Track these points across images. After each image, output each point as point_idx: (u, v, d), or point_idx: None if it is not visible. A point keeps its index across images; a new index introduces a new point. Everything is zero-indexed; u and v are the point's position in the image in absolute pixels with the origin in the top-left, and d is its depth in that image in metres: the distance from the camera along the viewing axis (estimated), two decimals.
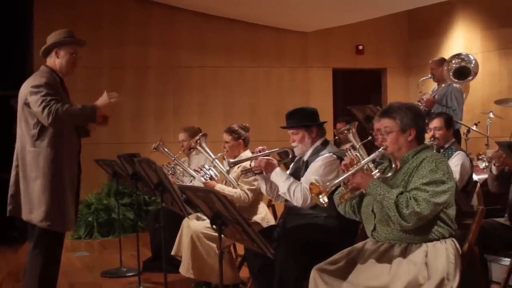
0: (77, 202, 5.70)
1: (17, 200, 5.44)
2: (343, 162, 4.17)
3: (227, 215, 3.90)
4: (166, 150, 7.60)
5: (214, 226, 4.06)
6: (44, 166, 5.33)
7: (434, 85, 8.99)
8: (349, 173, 4.05)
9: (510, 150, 3.65)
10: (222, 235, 4.13)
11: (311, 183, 4.05)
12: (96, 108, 5.58)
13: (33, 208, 5.35)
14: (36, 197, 5.34)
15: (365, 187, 4.01)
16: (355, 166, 4.08)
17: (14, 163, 5.46)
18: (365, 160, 4.21)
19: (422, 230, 3.95)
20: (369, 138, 6.75)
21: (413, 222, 3.85)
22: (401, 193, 3.90)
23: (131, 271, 7.32)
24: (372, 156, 4.26)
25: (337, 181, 4.07)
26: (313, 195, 4.00)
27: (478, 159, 5.54)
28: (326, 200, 3.96)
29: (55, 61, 5.54)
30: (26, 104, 5.35)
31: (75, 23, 10.95)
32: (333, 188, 4.08)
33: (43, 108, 5.22)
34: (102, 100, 5.64)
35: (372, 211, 4.11)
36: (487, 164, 5.39)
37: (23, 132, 5.41)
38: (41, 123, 5.32)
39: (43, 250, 5.42)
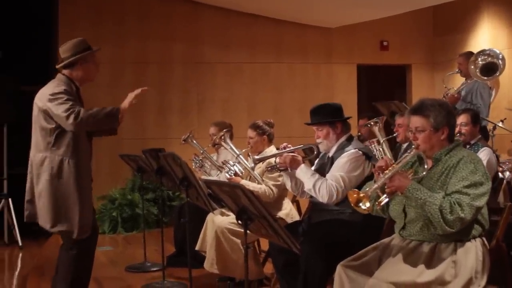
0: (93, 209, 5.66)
1: (33, 206, 5.39)
2: (378, 164, 4.04)
3: (253, 210, 3.89)
4: (195, 142, 7.60)
5: (239, 221, 4.04)
6: (58, 173, 5.26)
7: (461, 80, 8.84)
8: (386, 176, 3.91)
9: None
10: (248, 231, 4.12)
11: (349, 193, 3.92)
12: (120, 111, 5.46)
13: (47, 214, 5.29)
14: (50, 203, 5.28)
15: (404, 191, 3.89)
16: (390, 168, 3.95)
17: (29, 169, 5.42)
18: (402, 162, 4.03)
19: (455, 232, 3.87)
20: (394, 135, 6.71)
21: (457, 227, 3.78)
22: (443, 197, 3.82)
23: (155, 266, 7.36)
24: (407, 157, 4.12)
25: (375, 186, 3.91)
26: (352, 205, 3.89)
27: (501, 172, 5.44)
28: (368, 205, 3.84)
29: (78, 73, 5.45)
30: (43, 111, 5.26)
31: (99, 17, 11.03)
32: (374, 193, 3.96)
33: (67, 111, 5.12)
34: (127, 101, 5.56)
35: (404, 210, 4.06)
36: (509, 173, 5.30)
37: (38, 139, 5.35)
38: (57, 130, 5.25)
39: (74, 254, 5.39)
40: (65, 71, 5.47)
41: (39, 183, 5.33)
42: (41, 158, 5.31)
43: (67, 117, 5.13)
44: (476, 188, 3.82)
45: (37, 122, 5.36)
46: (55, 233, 5.53)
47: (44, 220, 5.34)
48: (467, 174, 3.86)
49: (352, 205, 3.85)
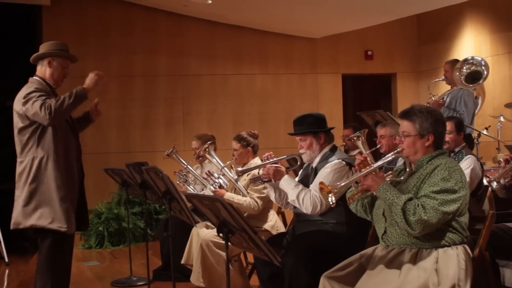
0: (84, 205, 5.68)
1: (15, 211, 5.44)
2: (356, 162, 4.11)
3: (233, 223, 3.87)
4: (179, 157, 7.59)
5: (220, 234, 4.03)
6: (39, 171, 5.33)
7: (446, 88, 8.87)
8: (361, 174, 4.00)
9: None
10: (229, 243, 4.10)
11: (321, 182, 3.99)
12: (85, 88, 5.49)
13: (32, 212, 5.34)
14: (32, 200, 5.34)
15: (376, 190, 3.97)
16: (367, 167, 4.03)
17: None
18: (379, 162, 4.14)
19: (433, 236, 3.90)
20: (377, 146, 6.70)
21: (419, 230, 3.80)
22: (410, 199, 3.85)
23: (141, 280, 7.30)
24: (387, 158, 4.20)
25: (347, 181, 4.02)
26: (323, 193, 3.95)
27: (489, 182, 5.44)
28: (334, 200, 3.92)
29: (46, 70, 5.52)
30: (21, 115, 5.35)
31: (84, 32, 11.01)
32: (343, 188, 4.02)
33: (40, 107, 5.20)
34: (89, 80, 5.58)
35: (383, 214, 4.07)
36: (496, 184, 5.29)
37: (18, 143, 5.43)
38: (35, 132, 5.33)
39: (53, 257, 5.39)
40: (37, 71, 5.58)
41: (19, 184, 5.39)
42: (22, 158, 5.38)
43: (40, 112, 5.20)
44: (447, 195, 3.83)
45: (16, 125, 5.43)
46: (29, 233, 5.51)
47: (20, 216, 5.37)
48: (438, 180, 3.88)
49: (323, 193, 3.95)
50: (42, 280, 5.43)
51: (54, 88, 5.57)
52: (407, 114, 4.14)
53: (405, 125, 4.12)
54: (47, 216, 5.33)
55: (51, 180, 5.34)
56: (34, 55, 5.57)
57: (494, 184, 5.13)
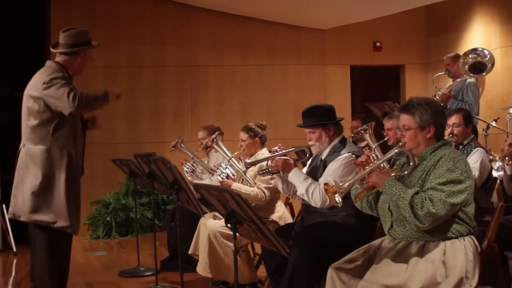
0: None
1: (18, 202, 5.38)
2: (359, 159, 4.11)
3: (241, 213, 3.87)
4: (184, 147, 7.59)
5: (228, 225, 4.02)
6: (51, 165, 5.27)
7: (449, 81, 8.92)
8: (365, 171, 3.99)
9: None
10: (237, 234, 4.10)
11: (325, 184, 4.00)
12: (108, 92, 5.48)
13: (39, 208, 5.28)
14: (41, 196, 5.27)
15: (381, 186, 3.95)
16: (371, 164, 4.03)
17: (18, 164, 5.39)
18: (382, 158, 4.15)
19: (439, 229, 3.89)
20: (385, 139, 6.69)
21: (429, 223, 3.80)
22: (417, 193, 3.84)
23: (149, 271, 7.32)
24: (390, 154, 4.20)
25: (352, 180, 4.02)
26: (329, 194, 3.95)
27: (491, 160, 5.42)
28: (340, 199, 3.92)
29: (75, 60, 5.43)
30: (39, 100, 5.23)
31: (92, 22, 10.96)
32: (348, 188, 4.02)
33: (68, 94, 5.10)
34: (112, 92, 5.54)
35: (389, 209, 4.06)
36: (500, 163, 5.27)
37: (28, 130, 5.33)
38: (51, 122, 5.24)
39: (53, 254, 5.36)
40: (59, 58, 5.46)
41: (25, 173, 5.30)
42: (33, 150, 5.29)
43: (68, 98, 5.11)
44: (453, 186, 3.83)
45: (28, 113, 5.32)
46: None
47: (24, 209, 5.31)
48: (444, 171, 3.87)
49: (329, 194, 3.95)
50: (40, 278, 5.39)
51: (72, 78, 5.49)
52: (406, 108, 4.13)
53: (405, 119, 4.12)
54: (53, 214, 5.28)
55: (62, 176, 5.28)
56: (65, 51, 5.42)
57: (496, 164, 5.11)
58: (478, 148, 6.31)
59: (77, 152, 5.37)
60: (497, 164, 5.14)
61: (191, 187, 5.35)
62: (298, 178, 5.09)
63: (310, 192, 4.97)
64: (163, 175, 5.85)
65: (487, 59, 8.71)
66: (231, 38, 11.79)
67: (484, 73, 8.70)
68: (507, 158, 5.13)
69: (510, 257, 5.83)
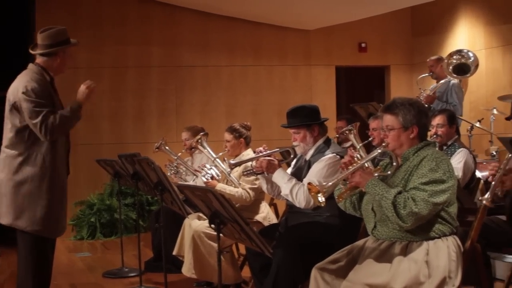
0: (66, 205, 5.59)
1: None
2: (343, 160, 4.12)
3: (225, 214, 3.87)
4: (168, 149, 7.58)
5: (212, 225, 4.02)
6: (34, 169, 5.21)
7: (433, 82, 8.97)
8: (348, 171, 4.00)
9: None
10: (221, 234, 4.09)
11: (309, 183, 4.00)
12: (82, 105, 5.43)
13: (21, 213, 5.23)
14: (25, 201, 5.22)
15: (364, 186, 3.96)
16: (354, 164, 4.03)
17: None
18: (365, 158, 4.15)
19: (422, 228, 3.90)
20: (370, 139, 6.71)
21: (411, 223, 3.80)
22: (399, 192, 3.85)
23: (133, 272, 7.30)
24: (373, 154, 4.21)
25: (335, 180, 4.02)
26: (312, 194, 3.96)
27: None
28: (324, 199, 3.92)
29: (54, 61, 5.38)
30: (15, 107, 5.20)
31: (77, 23, 10.92)
32: (331, 187, 4.02)
33: (40, 125, 5.10)
34: (81, 94, 5.49)
35: (372, 209, 4.07)
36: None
37: (10, 134, 5.28)
38: (28, 126, 5.19)
39: (35, 257, 5.31)
40: (39, 60, 5.40)
41: (11, 179, 5.25)
42: (13, 154, 5.23)
43: (40, 128, 5.12)
44: (436, 185, 3.84)
45: (9, 117, 5.28)
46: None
47: (6, 215, 5.27)
48: (426, 171, 3.88)
49: (312, 194, 3.95)
50: (22, 279, 5.36)
51: (53, 78, 5.45)
52: (390, 108, 4.14)
53: (389, 119, 4.13)
54: (27, 218, 5.23)
55: (38, 181, 5.22)
56: (43, 52, 5.36)
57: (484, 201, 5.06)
58: (462, 149, 6.34)
59: (56, 155, 5.32)
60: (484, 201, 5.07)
61: (175, 188, 5.33)
62: (282, 178, 5.09)
63: (294, 192, 4.97)
64: (147, 175, 5.84)
65: (471, 61, 8.77)
66: (216, 39, 11.78)
67: (467, 75, 8.76)
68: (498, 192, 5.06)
69: (493, 257, 5.87)
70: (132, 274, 7.26)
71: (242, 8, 11.25)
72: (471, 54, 8.82)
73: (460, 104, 8.52)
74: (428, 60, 9.07)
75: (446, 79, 8.54)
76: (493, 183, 4.90)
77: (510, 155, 4.73)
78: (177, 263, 6.56)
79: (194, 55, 11.69)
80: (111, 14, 11.33)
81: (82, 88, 5.50)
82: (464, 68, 8.67)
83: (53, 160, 5.28)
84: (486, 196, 4.92)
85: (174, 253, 6.43)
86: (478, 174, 6.84)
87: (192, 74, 11.67)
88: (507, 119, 5.20)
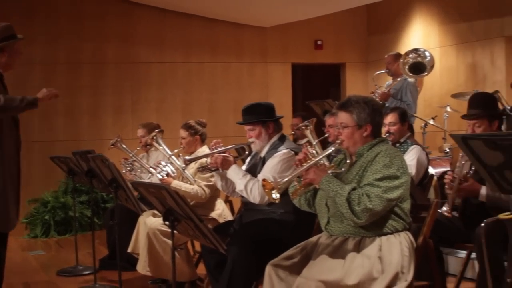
0: (18, 201, 5.54)
1: None
2: (297, 157, 4.14)
3: (179, 210, 3.86)
4: (124, 146, 7.53)
5: (166, 222, 4.01)
6: None
7: (388, 79, 9.04)
8: (302, 168, 4.01)
9: (464, 143, 3.63)
10: (176, 232, 4.09)
11: (263, 179, 4.01)
12: (37, 102, 5.42)
13: None
14: None
15: (319, 183, 3.98)
16: (308, 161, 4.05)
17: None
18: (320, 155, 4.17)
19: (375, 224, 3.94)
20: (326, 135, 6.74)
21: (366, 219, 3.83)
22: (354, 189, 3.88)
23: (88, 270, 7.25)
24: (327, 151, 4.22)
25: (290, 177, 4.03)
26: (266, 190, 3.96)
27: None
28: (278, 196, 3.93)
29: (1, 57, 5.36)
30: None
31: (31, 18, 10.84)
32: (286, 184, 4.03)
33: None
34: (43, 94, 5.46)
35: (326, 205, 4.09)
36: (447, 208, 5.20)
37: None
38: None
39: None
40: None
41: None
42: None
43: None
44: (390, 181, 3.87)
45: None
46: None
47: None
48: (380, 167, 3.91)
49: (266, 191, 3.96)
50: None
51: (3, 75, 5.41)
52: (345, 106, 4.16)
53: (343, 117, 4.14)
54: None
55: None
56: None
57: (444, 208, 5.11)
58: (414, 146, 6.40)
59: (4, 152, 5.26)
60: (444, 208, 5.12)
61: (130, 185, 5.30)
62: (237, 174, 5.10)
63: (249, 188, 4.98)
64: (101, 173, 5.80)
65: (427, 60, 8.85)
66: (172, 35, 11.74)
67: (424, 74, 8.85)
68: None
69: (446, 253, 5.96)
70: (87, 272, 7.21)
71: (198, 5, 11.23)
72: (427, 54, 8.91)
73: (414, 103, 8.60)
74: (386, 56, 9.12)
75: (403, 77, 8.61)
76: (449, 192, 4.97)
77: (461, 154, 4.80)
78: (132, 261, 6.53)
79: (150, 52, 11.64)
80: (66, 9, 11.22)
81: (45, 90, 5.49)
82: (420, 67, 8.75)
83: (1, 157, 5.21)
84: (444, 208, 5.01)
85: (129, 250, 6.40)
86: (432, 170, 6.92)
87: (148, 70, 11.62)
88: (463, 117, 5.25)
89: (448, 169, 6.19)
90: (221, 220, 6.15)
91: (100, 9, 11.39)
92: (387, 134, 6.37)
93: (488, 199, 4.77)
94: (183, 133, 6.50)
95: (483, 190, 4.79)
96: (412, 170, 6.07)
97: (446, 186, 5.02)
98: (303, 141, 7.76)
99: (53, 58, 11.06)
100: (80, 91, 11.23)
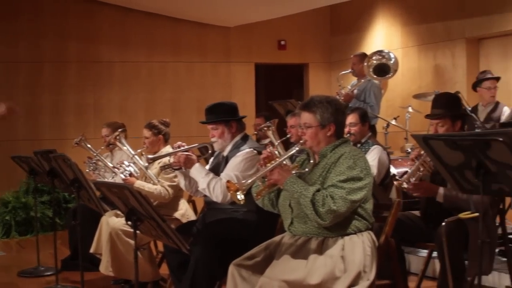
0: None
1: None
2: (261, 156, 4.14)
3: (141, 210, 3.85)
4: (88, 145, 7.46)
5: (129, 222, 3.99)
6: None
7: (353, 80, 9.08)
8: (267, 169, 4.01)
9: (425, 143, 3.68)
10: (138, 232, 4.07)
11: (228, 181, 4.01)
12: None
13: None
14: None
15: (283, 184, 3.98)
16: (273, 162, 4.05)
17: None
18: (284, 156, 4.17)
19: (339, 225, 3.96)
20: (288, 136, 6.77)
21: (330, 220, 3.85)
22: (318, 190, 3.89)
23: (49, 270, 7.18)
24: (291, 151, 4.23)
25: (254, 178, 4.03)
26: (231, 192, 3.95)
27: (399, 185, 5.35)
28: (243, 197, 3.93)
29: None
30: None
31: None
32: (250, 185, 4.03)
33: None
34: (4, 108, 5.41)
35: (290, 205, 4.10)
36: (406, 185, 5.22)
37: None
38: None
39: None
40: None
41: None
42: None
43: None
44: (353, 183, 3.90)
45: None
46: None
47: None
48: (344, 169, 3.93)
49: (230, 192, 3.93)
50: None
51: None
52: (308, 106, 4.17)
53: (306, 117, 4.15)
54: None
55: None
56: None
57: (405, 185, 5.14)
58: (375, 146, 6.44)
59: None
60: (405, 185, 5.14)
61: (92, 185, 5.27)
62: (199, 173, 5.09)
63: (212, 187, 4.98)
64: (63, 172, 5.76)
65: (391, 62, 8.91)
66: (135, 34, 11.69)
67: (388, 75, 8.90)
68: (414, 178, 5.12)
69: (407, 252, 6.02)
70: (49, 273, 7.13)
71: (162, 4, 11.19)
72: (392, 55, 8.98)
73: (378, 104, 8.63)
74: (352, 56, 9.12)
75: (367, 78, 8.64)
76: (412, 168, 5.03)
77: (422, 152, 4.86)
78: (94, 261, 6.50)
79: (112, 51, 11.58)
80: (26, 7, 11.10)
81: (8, 104, 5.45)
82: (384, 68, 8.80)
83: None
84: (403, 177, 5.04)
85: (92, 251, 6.35)
86: (393, 170, 6.98)
87: (111, 69, 11.55)
88: (427, 116, 5.31)
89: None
90: (184, 220, 6.14)
91: (61, 7, 11.30)
92: (348, 135, 6.39)
93: (446, 198, 4.83)
94: (146, 132, 6.48)
95: (441, 190, 4.85)
96: (373, 170, 6.10)
97: (410, 161, 5.11)
98: (266, 141, 7.79)
99: (14, 57, 10.94)
100: (41, 90, 11.14)
